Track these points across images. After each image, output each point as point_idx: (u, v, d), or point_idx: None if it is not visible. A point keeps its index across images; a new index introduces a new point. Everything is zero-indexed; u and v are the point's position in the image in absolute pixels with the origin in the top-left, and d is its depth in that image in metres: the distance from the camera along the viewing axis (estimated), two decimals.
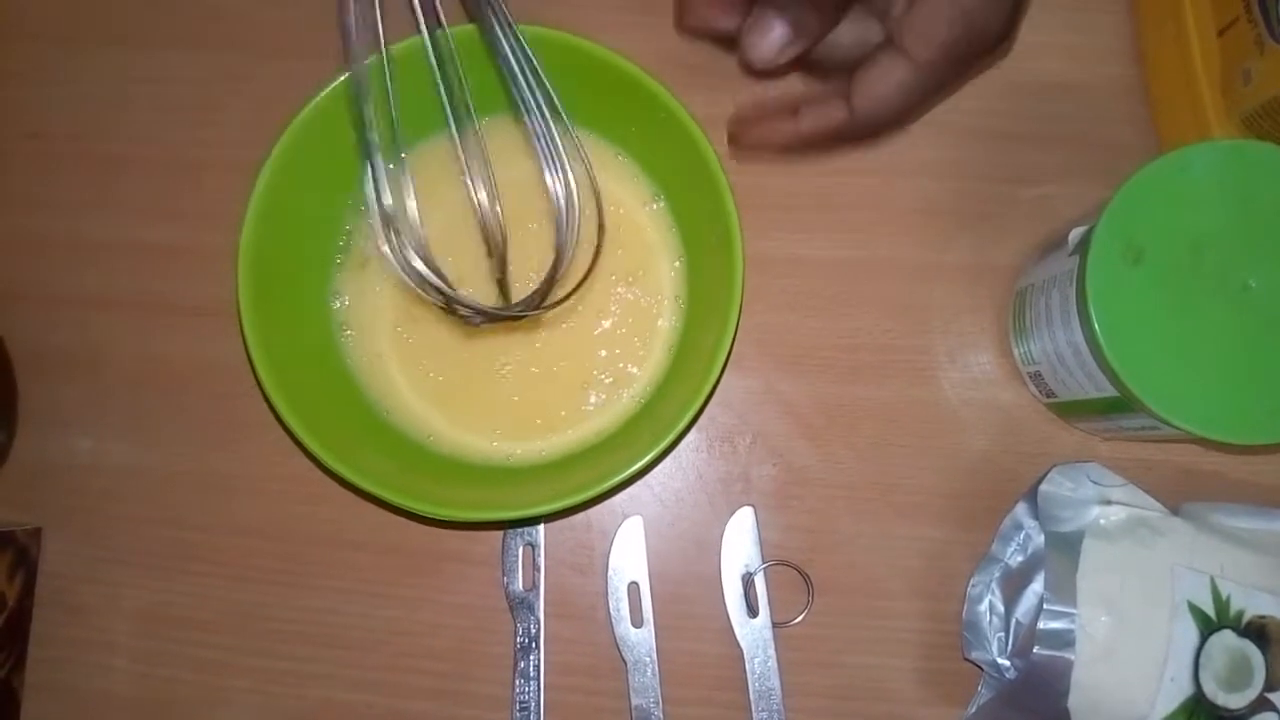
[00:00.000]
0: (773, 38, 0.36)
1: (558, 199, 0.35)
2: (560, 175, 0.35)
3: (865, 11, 0.39)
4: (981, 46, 0.36)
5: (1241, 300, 0.34)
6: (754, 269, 0.37)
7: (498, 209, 0.35)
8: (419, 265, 0.34)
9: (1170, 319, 0.34)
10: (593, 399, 0.41)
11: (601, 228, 0.37)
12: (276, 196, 0.37)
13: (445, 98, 0.37)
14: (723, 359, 0.36)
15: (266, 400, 0.37)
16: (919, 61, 0.35)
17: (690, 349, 0.40)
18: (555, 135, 0.35)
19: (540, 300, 0.36)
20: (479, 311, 0.35)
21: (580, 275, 0.37)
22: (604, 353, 0.41)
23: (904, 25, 0.36)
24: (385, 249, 0.34)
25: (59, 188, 0.46)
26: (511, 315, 0.37)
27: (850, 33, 0.38)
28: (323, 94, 0.38)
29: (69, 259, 0.45)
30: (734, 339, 0.36)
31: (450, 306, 0.35)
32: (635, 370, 0.41)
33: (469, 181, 0.35)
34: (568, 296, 0.37)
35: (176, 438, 0.44)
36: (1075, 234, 0.37)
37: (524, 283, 0.40)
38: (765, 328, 0.43)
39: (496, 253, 0.36)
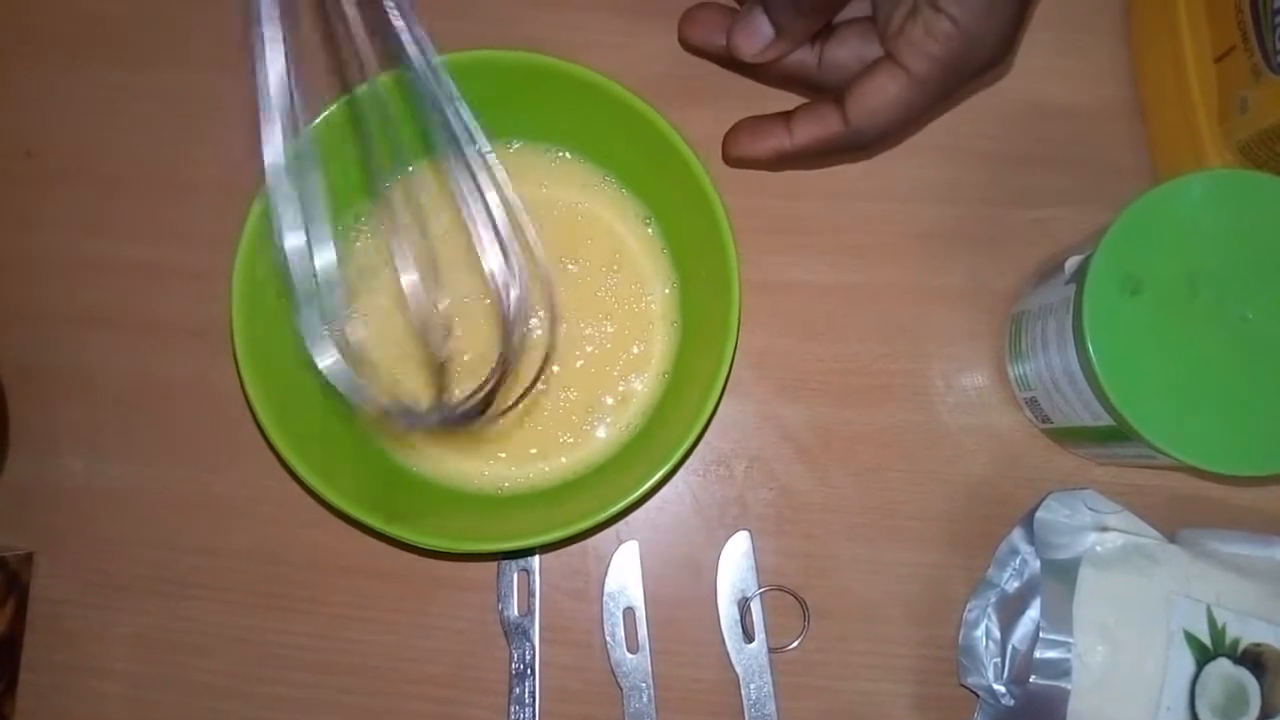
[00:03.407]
0: (758, 35, 0.37)
1: (502, 292, 0.30)
2: (503, 261, 0.30)
3: (866, 31, 0.39)
4: (979, 64, 0.36)
5: (1239, 332, 0.34)
6: (749, 292, 0.37)
7: (438, 300, 0.31)
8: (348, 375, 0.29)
9: (1167, 350, 0.34)
10: (586, 429, 0.40)
11: (554, 318, 0.34)
12: (268, 223, 0.37)
13: (369, 159, 0.35)
14: (719, 389, 0.36)
15: (258, 425, 0.36)
16: (916, 76, 0.36)
17: (685, 375, 0.40)
18: (492, 204, 0.30)
19: (483, 409, 0.32)
20: (416, 419, 0.31)
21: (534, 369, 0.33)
22: (596, 383, 0.41)
23: (901, 39, 0.36)
24: (321, 361, 0.29)
25: (54, 207, 0.45)
26: (453, 425, 0.32)
27: (852, 53, 0.39)
28: (314, 122, 0.37)
29: (63, 278, 0.45)
30: (731, 366, 0.36)
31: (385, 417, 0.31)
32: (629, 397, 0.41)
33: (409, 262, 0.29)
34: (517, 403, 0.33)
35: (170, 460, 0.43)
36: (1072, 262, 0.37)
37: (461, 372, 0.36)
38: (760, 351, 0.43)
39: (439, 352, 0.31)
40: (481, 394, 0.31)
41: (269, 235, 0.37)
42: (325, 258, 0.28)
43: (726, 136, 0.41)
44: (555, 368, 0.41)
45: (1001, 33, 0.35)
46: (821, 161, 0.39)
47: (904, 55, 0.36)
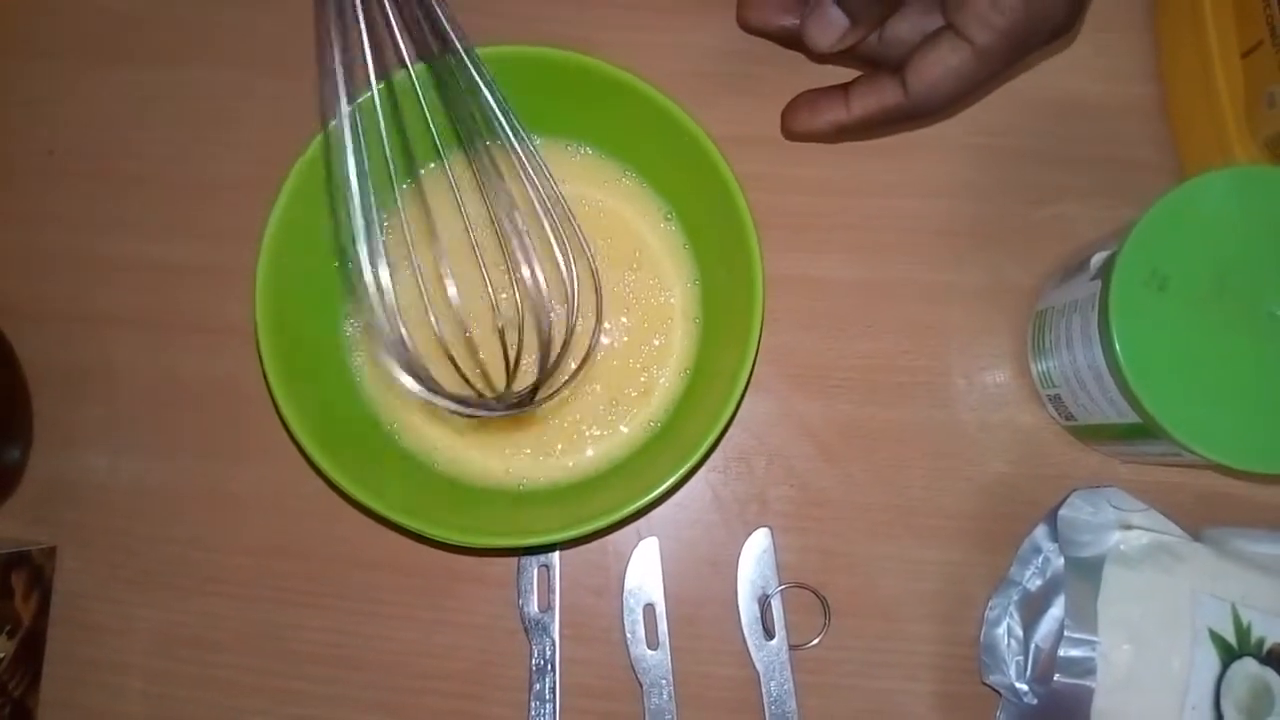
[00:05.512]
0: (832, 26, 0.36)
1: (566, 284, 0.32)
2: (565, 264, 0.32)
3: (929, 3, 0.38)
4: (1045, 34, 0.36)
5: (1266, 328, 0.34)
6: (769, 288, 0.37)
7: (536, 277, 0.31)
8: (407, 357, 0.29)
9: (1194, 346, 0.34)
10: (612, 420, 0.40)
11: (600, 314, 0.35)
12: (292, 220, 0.37)
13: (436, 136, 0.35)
14: (742, 386, 0.36)
15: (282, 422, 0.36)
16: (979, 47, 0.35)
17: (707, 372, 0.40)
18: (536, 197, 0.31)
19: (533, 394, 0.33)
20: (471, 407, 0.32)
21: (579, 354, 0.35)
22: (619, 376, 0.41)
23: (965, 10, 0.36)
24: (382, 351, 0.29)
25: (75, 204, 0.46)
26: (502, 412, 0.33)
27: (913, 27, 0.39)
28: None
29: (85, 276, 0.45)
30: (754, 363, 0.36)
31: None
32: (651, 389, 0.41)
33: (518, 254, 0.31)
34: (563, 387, 0.34)
35: (191, 456, 0.43)
36: (1097, 259, 0.37)
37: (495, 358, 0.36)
38: (781, 348, 0.43)
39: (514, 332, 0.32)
40: (535, 379, 0.32)
41: (291, 235, 0.37)
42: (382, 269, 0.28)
43: (785, 111, 0.41)
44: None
45: (1065, 2, 0.35)
46: (881, 132, 0.39)
47: (967, 26, 0.35)
